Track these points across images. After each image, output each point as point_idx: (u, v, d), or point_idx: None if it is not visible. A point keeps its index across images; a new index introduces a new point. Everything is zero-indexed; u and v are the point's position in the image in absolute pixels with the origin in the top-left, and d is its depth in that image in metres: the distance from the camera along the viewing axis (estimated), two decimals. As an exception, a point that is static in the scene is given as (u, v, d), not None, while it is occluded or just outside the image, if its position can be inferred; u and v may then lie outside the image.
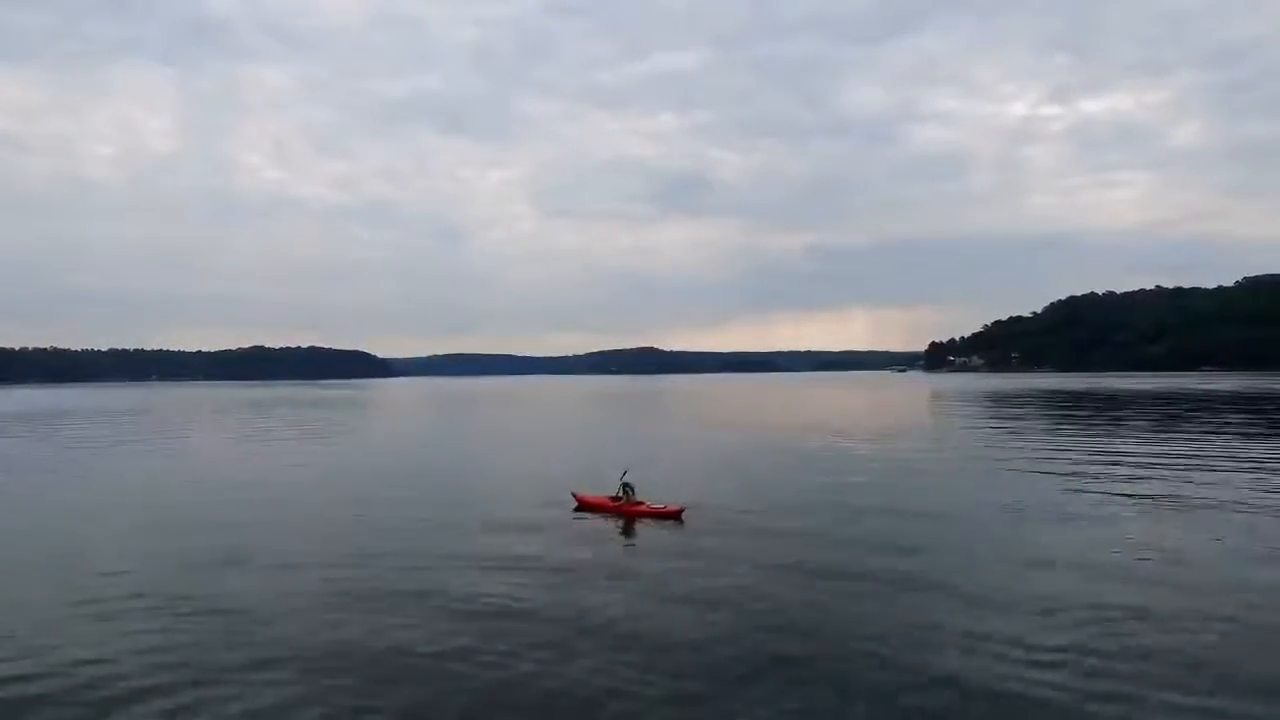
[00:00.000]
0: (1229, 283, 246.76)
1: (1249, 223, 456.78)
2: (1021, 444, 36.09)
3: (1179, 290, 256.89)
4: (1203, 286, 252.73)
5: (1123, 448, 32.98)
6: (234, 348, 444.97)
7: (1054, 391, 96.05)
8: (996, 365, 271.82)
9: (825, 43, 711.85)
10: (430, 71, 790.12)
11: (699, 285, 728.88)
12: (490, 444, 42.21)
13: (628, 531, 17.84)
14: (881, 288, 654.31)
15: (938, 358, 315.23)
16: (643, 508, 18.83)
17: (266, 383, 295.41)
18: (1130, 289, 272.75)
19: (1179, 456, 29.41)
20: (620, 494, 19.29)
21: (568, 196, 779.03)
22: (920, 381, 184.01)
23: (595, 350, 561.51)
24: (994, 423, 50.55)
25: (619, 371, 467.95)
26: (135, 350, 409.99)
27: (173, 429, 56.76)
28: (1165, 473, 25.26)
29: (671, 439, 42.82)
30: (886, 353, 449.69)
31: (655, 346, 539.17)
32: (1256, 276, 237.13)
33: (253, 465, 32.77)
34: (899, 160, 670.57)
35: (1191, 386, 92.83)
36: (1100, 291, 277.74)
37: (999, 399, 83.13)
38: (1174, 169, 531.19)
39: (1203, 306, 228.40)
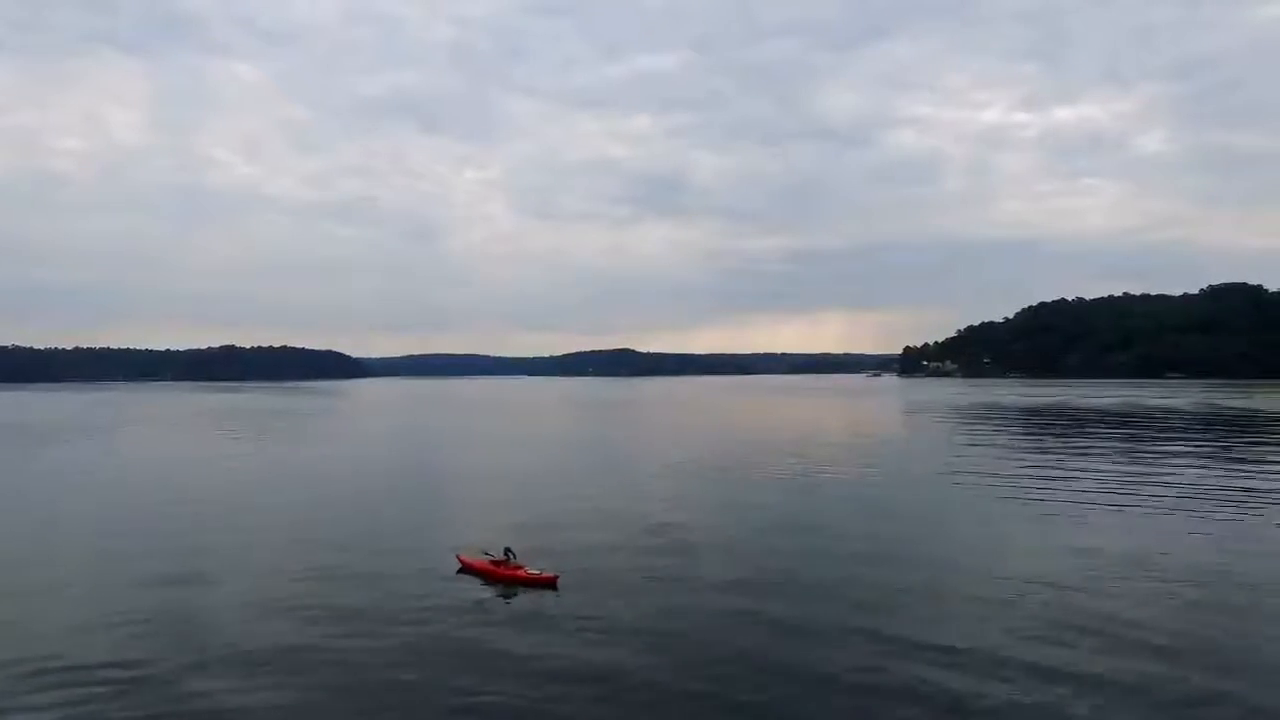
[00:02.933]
0: (1194, 290, 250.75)
1: (1212, 231, 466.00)
2: (982, 483, 35.32)
3: (1146, 297, 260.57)
4: (1169, 294, 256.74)
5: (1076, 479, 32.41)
6: (204, 347, 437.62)
7: (1016, 409, 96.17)
8: (969, 370, 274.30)
9: (802, 47, 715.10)
10: (407, 69, 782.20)
11: (675, 287, 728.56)
12: (420, 474, 38.78)
13: (500, 598, 17.04)
14: (857, 291, 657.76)
15: (912, 362, 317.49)
16: (520, 574, 17.86)
17: (236, 384, 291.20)
18: (1099, 295, 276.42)
19: (1124, 479, 28.89)
20: (502, 557, 18.29)
21: (545, 196, 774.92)
22: (892, 389, 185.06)
23: (571, 351, 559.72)
24: (956, 451, 49.96)
25: (595, 373, 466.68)
26: (102, 349, 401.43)
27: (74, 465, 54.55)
28: (1108, 491, 24.65)
29: (616, 468, 40.72)
30: (861, 355, 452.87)
31: (631, 348, 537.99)
32: (1219, 285, 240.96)
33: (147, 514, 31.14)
34: (874, 164, 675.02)
35: (1148, 401, 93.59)
36: (1070, 298, 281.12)
37: (966, 415, 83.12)
38: (1140, 177, 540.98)
39: (1168, 314, 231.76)
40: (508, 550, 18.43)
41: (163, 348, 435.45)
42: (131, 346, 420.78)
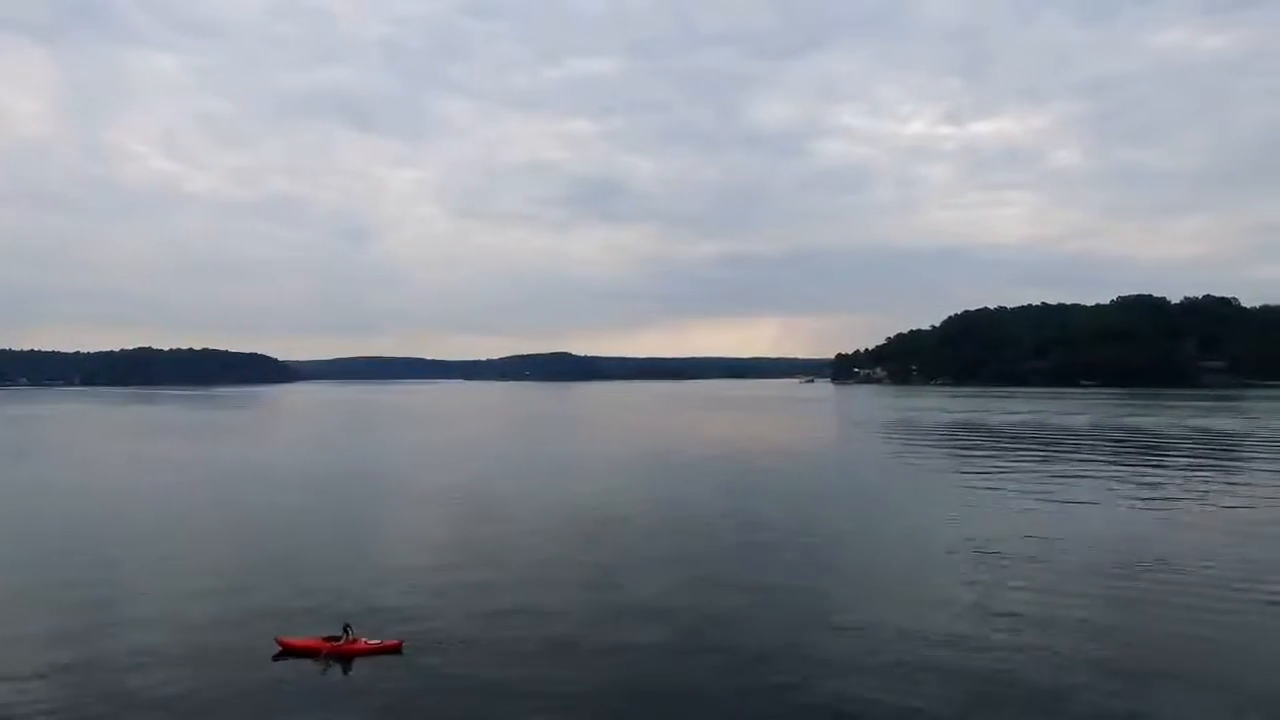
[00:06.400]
0: (1105, 300, 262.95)
1: (1121, 242, 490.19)
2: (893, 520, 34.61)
3: (1061, 306, 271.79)
4: (1082, 303, 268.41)
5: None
6: (116, 349, 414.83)
7: (942, 426, 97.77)
8: (897, 377, 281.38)
9: (737, 57, 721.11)
10: (338, 66, 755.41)
11: (613, 290, 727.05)
12: (284, 523, 30.69)
13: (333, 676, 15.40)
14: (791, 296, 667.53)
15: (844, 368, 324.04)
16: (359, 645, 16.01)
17: (149, 390, 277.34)
18: (1019, 303, 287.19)
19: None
20: (340, 635, 16.29)
21: (481, 198, 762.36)
22: (824, 397, 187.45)
23: (509, 354, 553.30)
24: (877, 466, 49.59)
25: (532, 376, 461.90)
26: (2, 350, 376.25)
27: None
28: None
29: (513, 506, 35.20)
30: (794, 360, 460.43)
31: (569, 351, 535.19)
32: (1127, 296, 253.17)
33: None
34: (807, 172, 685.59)
35: (1050, 421, 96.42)
36: (992, 306, 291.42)
37: (893, 429, 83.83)
38: (1054, 189, 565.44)
39: (1081, 324, 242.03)
40: (347, 625, 16.50)
41: (70, 350, 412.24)
42: (36, 348, 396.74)
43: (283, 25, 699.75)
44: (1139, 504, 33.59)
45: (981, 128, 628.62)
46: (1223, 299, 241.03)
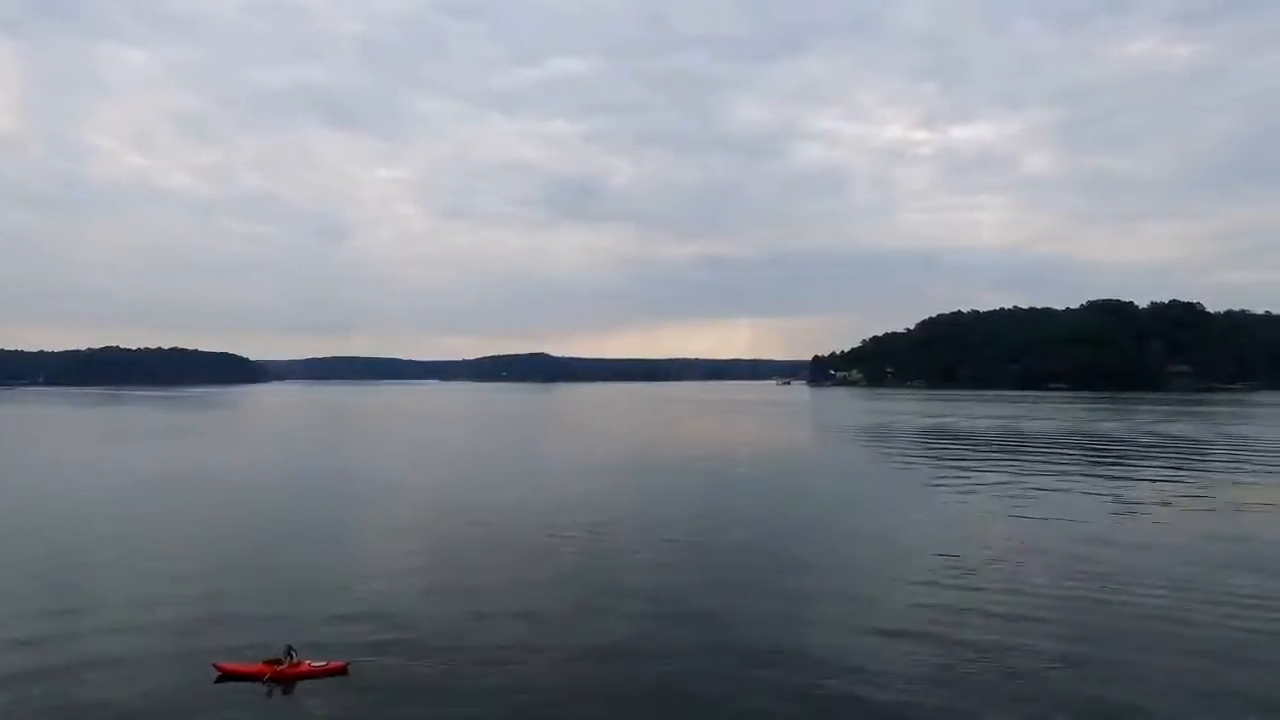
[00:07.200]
0: (1075, 304, 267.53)
1: (1091, 247, 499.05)
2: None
3: (1033, 310, 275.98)
4: (1054, 308, 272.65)
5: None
6: (83, 348, 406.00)
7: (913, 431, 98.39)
8: (873, 380, 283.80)
9: (715, 59, 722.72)
10: (314, 63, 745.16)
11: (591, 291, 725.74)
12: (226, 542, 28.03)
13: (276, 700, 14.81)
14: (768, 298, 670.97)
15: (820, 371, 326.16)
16: (302, 668, 15.43)
17: (114, 390, 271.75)
18: (992, 307, 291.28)
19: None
20: (282, 658, 15.64)
21: (459, 197, 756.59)
22: (798, 401, 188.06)
23: (486, 355, 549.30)
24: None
25: (509, 377, 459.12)
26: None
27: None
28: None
29: (472, 521, 33.74)
30: (771, 361, 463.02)
31: (546, 352, 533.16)
32: (1096, 301, 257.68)
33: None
34: (785, 175, 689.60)
35: (1024, 426, 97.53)
36: (966, 310, 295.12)
37: (861, 434, 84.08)
38: (1028, 194, 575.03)
39: (1053, 328, 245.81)
40: (290, 648, 15.82)
41: (34, 349, 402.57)
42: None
43: (258, 21, 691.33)
44: (1097, 509, 33.84)
45: (957, 133, 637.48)
46: (1189, 304, 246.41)
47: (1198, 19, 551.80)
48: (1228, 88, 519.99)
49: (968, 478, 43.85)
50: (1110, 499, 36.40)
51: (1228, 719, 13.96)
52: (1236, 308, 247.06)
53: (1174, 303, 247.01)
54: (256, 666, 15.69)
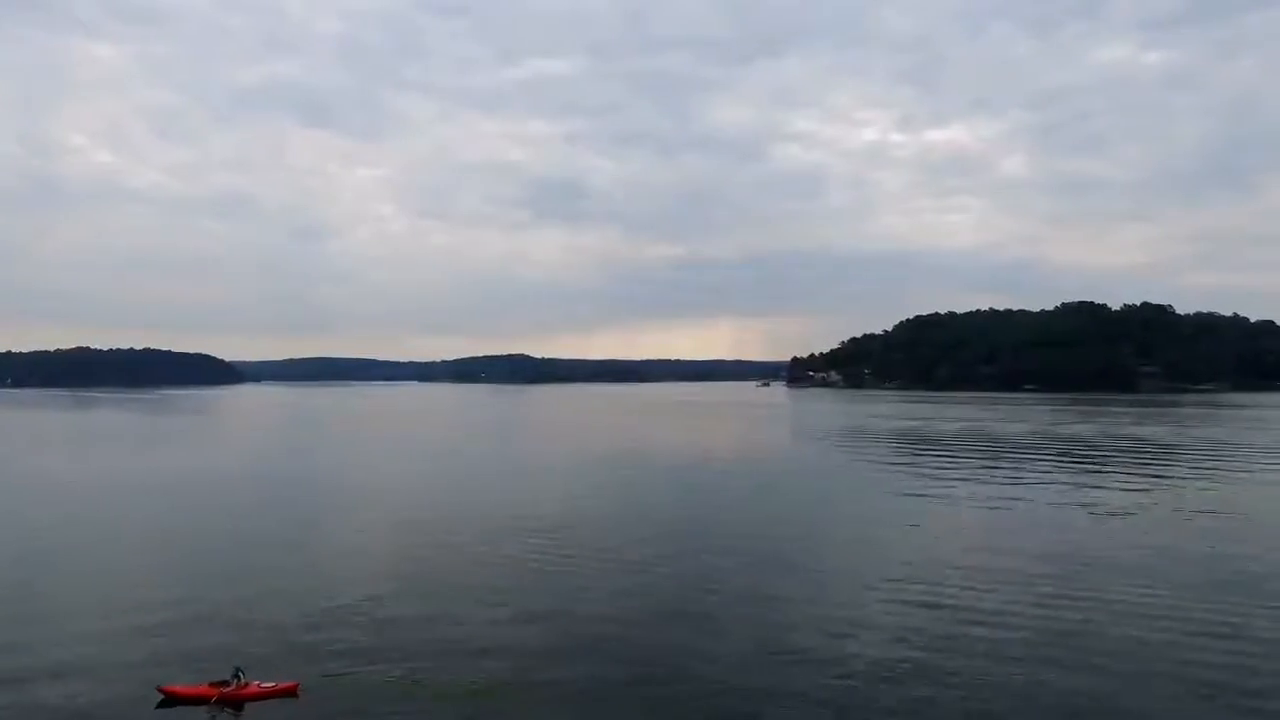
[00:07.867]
0: (1049, 306, 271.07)
1: (1065, 249, 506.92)
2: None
3: (1008, 312, 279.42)
4: (1028, 309, 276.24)
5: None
6: (52, 349, 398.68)
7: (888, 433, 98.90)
8: (851, 381, 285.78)
9: (695, 61, 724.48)
10: (290, 60, 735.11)
11: (571, 292, 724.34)
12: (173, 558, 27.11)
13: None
14: (748, 299, 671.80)
15: (800, 372, 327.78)
16: (251, 689, 15.15)
17: (87, 390, 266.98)
18: (968, 309, 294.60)
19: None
20: (229, 679, 15.34)
21: (438, 197, 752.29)
22: (776, 402, 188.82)
23: (465, 356, 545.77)
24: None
25: (489, 378, 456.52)
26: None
27: None
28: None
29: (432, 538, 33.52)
30: (751, 362, 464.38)
31: (527, 353, 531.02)
32: (1070, 303, 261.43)
33: None
34: (764, 177, 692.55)
35: (995, 428, 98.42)
36: (942, 311, 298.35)
37: (836, 436, 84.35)
38: (1002, 197, 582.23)
39: (1026, 330, 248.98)
40: (238, 669, 15.49)
41: (1, 350, 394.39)
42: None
43: (231, 17, 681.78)
44: (1064, 509, 34.37)
45: (934, 135, 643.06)
46: (1159, 306, 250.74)
47: (1165, 26, 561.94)
48: (1198, 93, 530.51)
49: (940, 481, 44.25)
50: (1079, 504, 36.75)
51: (1196, 712, 14.59)
52: (1206, 310, 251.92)
53: (1145, 305, 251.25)
54: (202, 689, 15.37)
